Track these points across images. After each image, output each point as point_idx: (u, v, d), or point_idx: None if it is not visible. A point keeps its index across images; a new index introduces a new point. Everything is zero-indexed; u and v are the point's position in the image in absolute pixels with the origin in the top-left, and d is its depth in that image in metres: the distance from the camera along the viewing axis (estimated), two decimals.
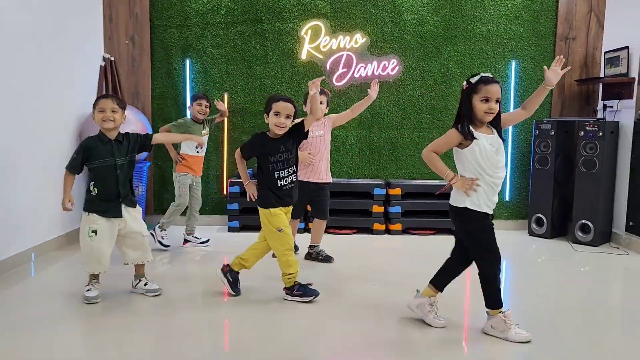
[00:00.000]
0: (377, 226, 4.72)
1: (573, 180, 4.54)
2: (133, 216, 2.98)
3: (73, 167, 2.91)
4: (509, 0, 4.84)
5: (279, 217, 2.95)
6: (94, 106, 2.91)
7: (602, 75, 4.74)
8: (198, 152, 4.14)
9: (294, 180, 3.01)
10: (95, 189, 2.91)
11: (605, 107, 4.63)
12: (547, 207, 4.62)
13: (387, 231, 4.75)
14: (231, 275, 3.04)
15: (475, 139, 2.43)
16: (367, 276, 3.49)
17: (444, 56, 4.91)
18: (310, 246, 3.87)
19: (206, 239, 4.27)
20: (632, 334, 2.67)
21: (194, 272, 3.64)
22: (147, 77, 4.92)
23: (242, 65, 4.95)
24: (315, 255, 3.84)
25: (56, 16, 4.03)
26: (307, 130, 3.05)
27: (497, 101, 2.42)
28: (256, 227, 4.36)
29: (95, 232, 2.88)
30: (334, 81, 4.94)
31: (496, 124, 2.50)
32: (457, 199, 2.52)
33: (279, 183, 2.95)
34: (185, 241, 4.23)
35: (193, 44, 4.93)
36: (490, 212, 2.52)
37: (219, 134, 5.01)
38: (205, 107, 4.10)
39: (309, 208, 4.11)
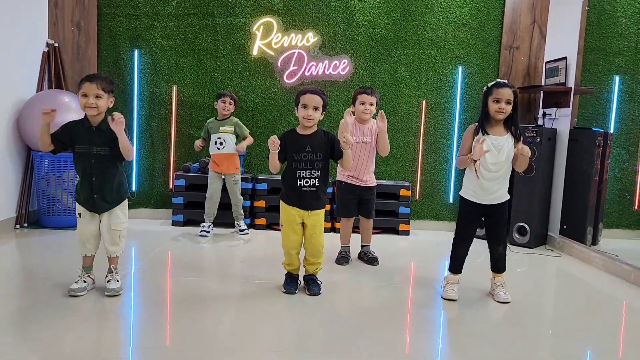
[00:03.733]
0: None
1: (512, 183, 4.68)
2: (110, 210, 2.82)
3: (54, 134, 2.72)
4: (457, 8, 4.97)
5: (284, 212, 2.96)
6: (79, 87, 2.71)
7: (543, 84, 4.93)
8: (218, 149, 4.32)
9: (316, 185, 2.91)
10: (78, 176, 2.80)
11: (544, 114, 4.81)
12: None
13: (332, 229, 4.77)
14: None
15: (486, 133, 2.89)
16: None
17: (393, 59, 5.00)
18: (362, 245, 3.81)
19: (245, 228, 4.44)
20: (557, 330, 2.77)
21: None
22: (92, 65, 4.79)
23: (192, 58, 4.90)
24: (362, 255, 3.76)
25: None
26: (338, 156, 2.96)
27: (507, 102, 2.84)
28: (199, 222, 4.38)
29: (79, 214, 2.81)
30: (284, 78, 4.94)
31: (512, 125, 2.92)
32: (462, 190, 3.09)
33: (298, 183, 2.89)
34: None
35: (142, 35, 4.84)
36: (478, 201, 2.99)
37: (166, 126, 4.93)
38: (229, 104, 4.33)
39: None
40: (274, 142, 2.83)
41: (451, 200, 5.13)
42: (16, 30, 4.18)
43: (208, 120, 4.42)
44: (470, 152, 2.91)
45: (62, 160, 4.28)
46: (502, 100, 2.85)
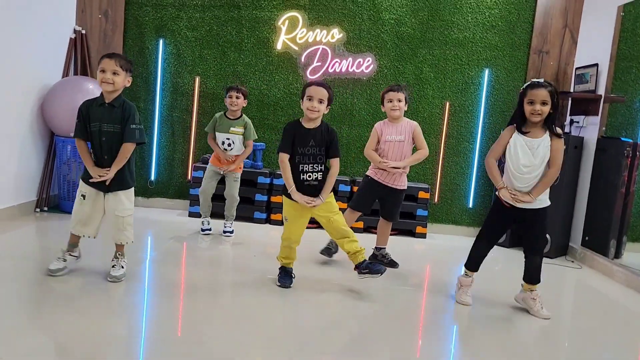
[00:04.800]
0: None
1: None
2: (114, 193, 2.82)
3: (76, 133, 2.77)
4: (487, 9, 4.87)
5: (288, 206, 2.95)
6: (98, 64, 2.73)
7: (571, 90, 4.80)
8: (225, 149, 3.97)
9: (319, 179, 2.93)
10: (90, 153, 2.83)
11: (572, 122, 4.69)
12: None
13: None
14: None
15: (523, 133, 2.80)
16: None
17: (419, 59, 4.92)
18: (376, 248, 3.69)
19: (230, 230, 4.15)
20: (574, 344, 2.69)
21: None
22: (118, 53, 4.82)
23: (216, 50, 4.89)
24: (380, 258, 3.64)
25: None
26: (332, 154, 2.97)
27: (543, 103, 2.72)
28: (217, 215, 4.37)
29: (84, 196, 2.81)
30: (307, 74, 4.91)
31: (550, 123, 2.79)
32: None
33: (302, 177, 2.90)
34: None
35: (168, 25, 4.85)
36: (513, 204, 2.85)
37: (187, 117, 4.94)
38: (237, 98, 3.92)
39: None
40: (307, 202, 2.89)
41: (470, 205, 5.04)
42: (44, 16, 4.23)
43: (217, 115, 4.03)
44: (504, 151, 2.86)
45: None
46: (536, 102, 2.72)
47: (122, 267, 2.88)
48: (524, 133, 2.81)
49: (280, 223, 4.69)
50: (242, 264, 3.51)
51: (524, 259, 2.97)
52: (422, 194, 4.73)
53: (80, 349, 2.07)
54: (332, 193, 3.00)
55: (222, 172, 4.06)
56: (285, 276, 3.04)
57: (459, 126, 4.98)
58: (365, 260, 2.97)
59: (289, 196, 2.94)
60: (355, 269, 2.97)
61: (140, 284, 2.92)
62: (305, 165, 2.90)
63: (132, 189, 2.91)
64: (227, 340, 2.27)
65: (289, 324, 2.55)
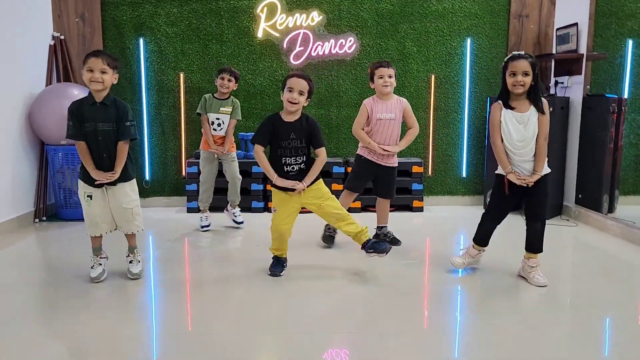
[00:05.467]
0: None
1: None
2: (119, 186, 2.86)
3: (70, 135, 2.77)
4: None
5: (277, 196, 2.99)
6: (84, 63, 2.73)
7: (554, 52, 4.84)
8: (215, 129, 4.02)
9: (302, 169, 2.97)
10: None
11: (557, 83, 4.73)
12: None
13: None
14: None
15: (510, 108, 2.83)
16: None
17: (400, 34, 4.93)
18: (378, 227, 3.71)
19: (241, 220, 4.22)
20: (576, 300, 2.78)
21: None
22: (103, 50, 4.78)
23: (197, 44, 4.88)
24: (382, 237, 3.66)
25: None
26: (316, 145, 3.00)
27: (525, 74, 2.75)
28: (216, 208, 4.40)
29: (90, 196, 2.82)
30: (291, 60, 4.91)
31: (534, 97, 2.82)
32: (499, 168, 2.99)
33: (285, 169, 2.94)
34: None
35: (146, 22, 4.82)
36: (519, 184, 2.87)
37: (176, 114, 4.94)
38: (228, 80, 3.98)
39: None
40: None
41: (464, 175, 5.10)
42: (22, 25, 4.19)
43: (205, 96, 4.06)
44: (500, 129, 2.86)
45: (75, 153, 4.26)
46: (518, 73, 2.76)
47: (139, 262, 2.97)
48: (511, 108, 2.85)
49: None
50: (245, 255, 3.56)
51: (526, 227, 2.96)
52: (415, 168, 4.78)
53: (92, 350, 2.12)
54: (321, 179, 3.03)
55: (218, 158, 4.08)
56: (277, 265, 3.07)
57: (445, 98, 5.01)
58: (370, 239, 2.99)
59: (276, 186, 2.97)
60: (362, 249, 3.00)
61: (148, 282, 2.96)
62: (287, 158, 2.93)
63: (134, 180, 2.96)
64: (238, 332, 2.33)
65: (297, 311, 2.60)
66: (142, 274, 2.95)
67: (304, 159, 2.98)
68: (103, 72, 2.70)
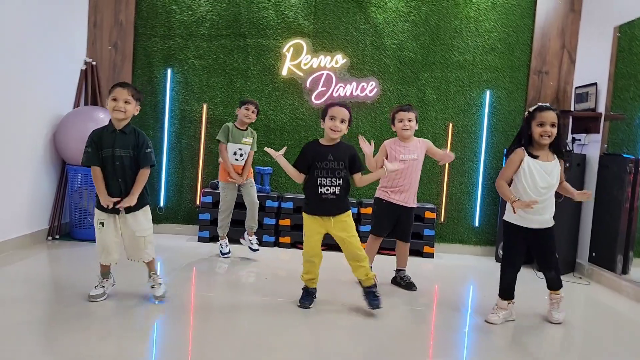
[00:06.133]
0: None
1: None
2: (133, 214, 2.91)
3: (87, 160, 2.85)
4: (486, 32, 5.00)
5: (308, 223, 3.04)
6: (109, 92, 2.85)
7: (572, 109, 4.89)
8: (237, 160, 4.11)
9: (337, 193, 2.98)
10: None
11: (574, 140, 4.76)
12: None
13: None
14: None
15: (534, 157, 2.88)
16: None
17: (421, 82, 5.03)
18: (396, 270, 3.77)
19: (257, 248, 4.25)
20: (585, 355, 2.71)
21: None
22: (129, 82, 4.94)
23: (222, 77, 5.02)
24: (398, 280, 3.71)
25: (42, 18, 4.08)
26: (360, 167, 3.07)
27: (552, 125, 2.84)
28: (230, 240, 4.41)
29: (102, 224, 2.88)
30: (312, 99, 5.02)
31: (557, 149, 2.93)
32: (506, 214, 3.05)
33: (319, 190, 2.96)
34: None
35: (175, 54, 4.99)
36: (524, 225, 2.98)
37: (196, 144, 5.03)
38: (253, 112, 4.10)
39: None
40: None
41: (477, 224, 5.08)
42: (56, 49, 4.36)
43: (228, 124, 4.11)
44: (515, 172, 2.95)
45: None
46: (546, 124, 2.84)
47: (160, 284, 3.00)
48: (534, 157, 2.91)
49: (288, 245, 4.74)
50: (255, 287, 3.56)
51: (543, 275, 3.14)
52: (428, 214, 4.78)
53: None
54: (349, 212, 3.06)
55: (237, 185, 4.16)
56: (307, 297, 3.09)
57: (462, 146, 5.06)
58: (371, 287, 3.04)
59: (308, 212, 3.02)
60: (361, 288, 3.09)
61: (157, 308, 2.95)
62: (323, 179, 2.97)
63: (148, 206, 3.00)
64: None
65: (301, 346, 2.58)
66: (166, 294, 2.99)
67: (341, 182, 2.98)
68: (126, 102, 2.81)
